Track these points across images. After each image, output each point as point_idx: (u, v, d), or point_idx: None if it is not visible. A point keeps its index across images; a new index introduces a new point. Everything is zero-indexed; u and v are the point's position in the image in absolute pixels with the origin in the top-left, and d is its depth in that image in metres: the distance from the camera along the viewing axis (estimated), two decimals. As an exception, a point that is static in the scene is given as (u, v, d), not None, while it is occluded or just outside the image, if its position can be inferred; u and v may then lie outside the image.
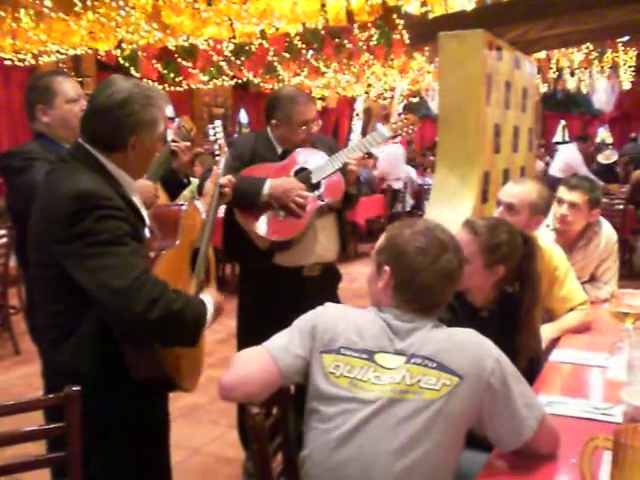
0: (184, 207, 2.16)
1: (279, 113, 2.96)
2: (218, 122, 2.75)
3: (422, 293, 1.68)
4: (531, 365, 2.25)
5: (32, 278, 2.00)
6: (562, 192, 3.12)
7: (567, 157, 9.94)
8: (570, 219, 3.09)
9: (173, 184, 2.67)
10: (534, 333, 2.28)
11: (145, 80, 8.23)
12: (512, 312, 2.20)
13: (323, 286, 3.01)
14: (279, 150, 3.03)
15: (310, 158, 3.00)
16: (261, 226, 2.90)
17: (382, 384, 1.58)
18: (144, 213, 1.98)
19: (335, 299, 3.03)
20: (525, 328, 2.19)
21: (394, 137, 3.08)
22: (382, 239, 1.79)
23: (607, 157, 10.97)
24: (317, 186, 2.95)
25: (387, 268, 1.71)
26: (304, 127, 2.94)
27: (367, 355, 1.62)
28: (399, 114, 3.25)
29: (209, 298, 1.93)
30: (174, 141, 2.62)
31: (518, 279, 2.23)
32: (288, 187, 2.88)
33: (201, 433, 3.76)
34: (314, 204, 2.92)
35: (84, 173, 1.80)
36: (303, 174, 2.96)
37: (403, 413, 1.54)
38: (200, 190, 2.74)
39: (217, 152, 2.65)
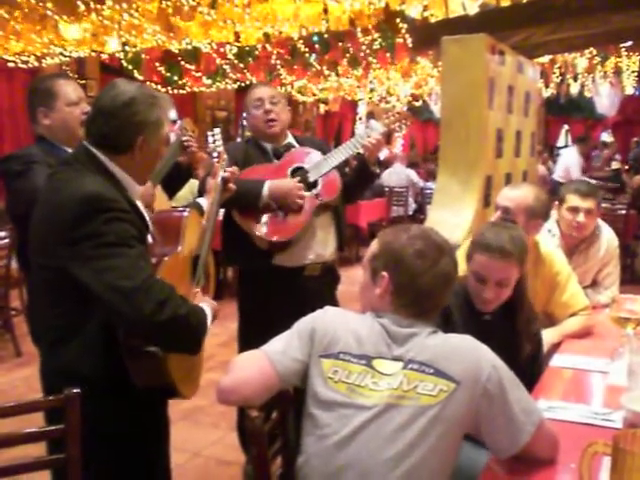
0: (186, 213, 2.16)
1: (245, 107, 3.12)
2: (217, 130, 2.73)
3: (422, 297, 1.68)
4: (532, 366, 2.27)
5: (34, 280, 1.99)
6: (575, 201, 3.09)
7: (566, 161, 10.05)
8: (587, 225, 3.11)
9: (175, 177, 2.67)
10: (535, 318, 2.32)
11: (148, 83, 8.26)
12: (513, 312, 2.24)
13: (323, 288, 3.02)
14: (269, 148, 3.06)
15: (306, 157, 3.03)
16: (261, 227, 2.91)
17: (380, 390, 1.57)
18: (147, 218, 1.98)
19: (334, 301, 3.05)
20: (525, 310, 2.25)
21: (388, 132, 3.13)
22: (375, 246, 1.77)
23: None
24: (314, 184, 2.97)
25: (385, 274, 1.70)
26: (259, 105, 3.01)
27: (365, 361, 1.62)
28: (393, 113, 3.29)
29: (207, 307, 1.92)
30: (186, 140, 2.67)
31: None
32: (287, 188, 2.90)
33: (201, 436, 3.77)
34: (312, 203, 2.94)
35: (89, 176, 1.79)
36: (300, 173, 2.99)
37: (400, 419, 1.53)
38: (202, 189, 2.75)
39: (216, 160, 2.64)
